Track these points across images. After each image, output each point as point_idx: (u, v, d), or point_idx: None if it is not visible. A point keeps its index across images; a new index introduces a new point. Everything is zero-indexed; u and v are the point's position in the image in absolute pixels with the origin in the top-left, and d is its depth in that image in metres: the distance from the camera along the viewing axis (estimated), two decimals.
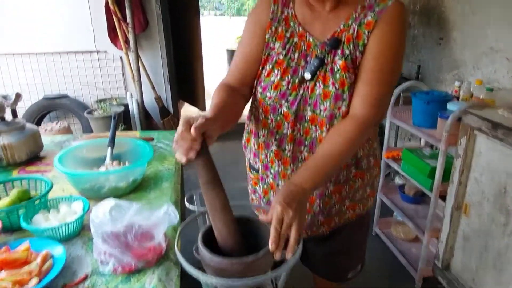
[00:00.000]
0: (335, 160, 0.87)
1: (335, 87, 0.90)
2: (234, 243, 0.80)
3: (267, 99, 0.97)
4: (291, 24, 0.96)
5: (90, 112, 2.87)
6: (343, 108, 0.91)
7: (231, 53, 9.06)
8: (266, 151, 1.04)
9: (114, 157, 1.32)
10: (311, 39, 0.94)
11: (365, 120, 0.89)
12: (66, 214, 1.01)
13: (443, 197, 1.80)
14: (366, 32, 0.89)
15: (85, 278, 0.84)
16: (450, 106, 1.73)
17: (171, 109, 3.44)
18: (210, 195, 0.78)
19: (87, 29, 3.11)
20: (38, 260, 0.83)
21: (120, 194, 1.18)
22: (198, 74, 4.38)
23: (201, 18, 4.20)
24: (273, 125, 0.99)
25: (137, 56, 3.02)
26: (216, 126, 0.79)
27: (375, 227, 2.41)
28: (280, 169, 1.03)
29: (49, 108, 3.13)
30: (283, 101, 0.95)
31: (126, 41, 3.03)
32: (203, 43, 4.06)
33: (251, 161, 1.13)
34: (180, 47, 3.82)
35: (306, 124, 0.95)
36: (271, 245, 0.73)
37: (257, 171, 1.10)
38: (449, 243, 1.70)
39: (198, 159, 0.75)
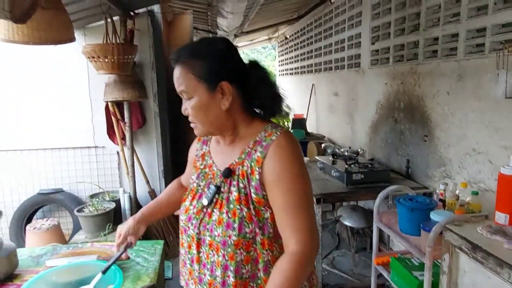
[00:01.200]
0: None
1: (228, 216, 0.97)
2: None
3: (180, 221, 1.09)
4: (206, 158, 1.13)
5: (80, 210, 2.88)
6: (234, 238, 0.96)
7: None
8: (184, 268, 1.11)
9: (82, 283, 1.29)
10: (215, 169, 1.07)
11: (300, 253, 0.93)
12: None
13: None
14: (257, 169, 0.97)
15: None
16: (433, 216, 1.71)
17: None
18: None
19: (87, 127, 3.26)
20: None
21: None
22: None
23: None
24: (186, 245, 1.08)
25: (133, 152, 3.12)
26: (142, 224, 1.26)
27: None
28: None
29: (42, 203, 3.15)
30: (189, 224, 1.05)
31: (123, 138, 3.15)
32: None
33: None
34: (178, 134, 3.96)
35: (207, 248, 1.01)
36: None
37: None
38: None
39: None
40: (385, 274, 1.97)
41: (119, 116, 3.07)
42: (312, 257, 0.96)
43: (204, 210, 1.03)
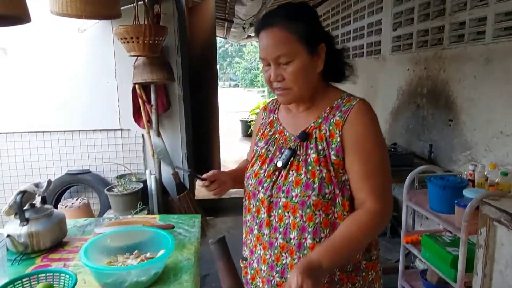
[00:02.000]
0: (351, 244, 0.91)
1: (307, 176, 0.98)
2: None
3: (249, 186, 1.10)
4: (275, 125, 1.15)
5: (110, 189, 2.95)
6: (313, 198, 0.97)
7: (244, 123, 9.38)
8: (250, 235, 1.12)
9: (133, 248, 1.35)
10: (287, 134, 1.08)
11: (376, 213, 0.94)
12: None
13: (468, 287, 1.73)
14: (337, 132, 0.98)
15: None
16: (467, 193, 1.74)
17: (187, 184, 3.51)
18: None
19: (114, 110, 3.33)
20: None
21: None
22: (214, 146, 4.54)
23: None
24: (254, 210, 1.08)
25: (159, 135, 3.18)
26: (228, 177, 1.17)
27: None
28: (261, 254, 1.07)
29: (71, 183, 3.24)
30: (260, 187, 1.05)
31: (149, 121, 3.21)
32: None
33: (242, 251, 1.20)
34: (199, 121, 4.02)
35: (280, 211, 1.01)
36: None
37: (246, 259, 1.16)
38: None
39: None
40: (415, 252, 2.01)
41: (145, 99, 3.13)
42: (386, 219, 0.96)
43: (277, 173, 1.03)
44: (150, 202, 3.07)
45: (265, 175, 1.05)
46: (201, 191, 3.91)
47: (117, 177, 3.22)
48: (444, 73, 2.75)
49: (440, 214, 1.86)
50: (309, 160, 0.99)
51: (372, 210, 0.94)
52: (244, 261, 1.17)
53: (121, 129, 3.36)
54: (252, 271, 1.12)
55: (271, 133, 1.13)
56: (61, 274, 1.16)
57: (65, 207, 2.79)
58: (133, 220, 1.65)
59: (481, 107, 2.37)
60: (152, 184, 3.07)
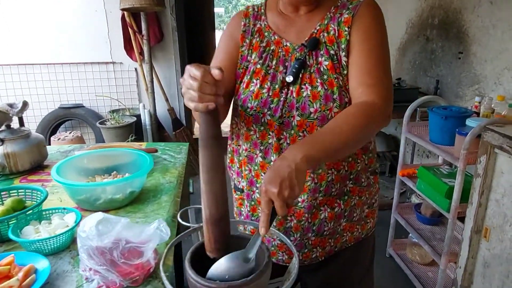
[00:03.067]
0: (336, 135, 0.76)
1: (324, 88, 0.87)
2: (223, 217, 0.73)
3: (248, 110, 0.93)
4: (266, 34, 0.97)
5: (102, 123, 2.89)
6: (335, 110, 0.86)
7: None
8: (250, 165, 0.98)
9: (113, 169, 1.29)
10: (288, 44, 0.93)
11: (373, 104, 0.82)
12: (58, 227, 0.98)
13: (461, 218, 1.69)
14: (346, 29, 0.88)
15: None
16: (469, 122, 1.64)
17: (183, 121, 3.43)
18: (211, 152, 0.71)
19: (104, 41, 3.16)
20: (20, 275, 0.79)
21: (116, 206, 1.14)
22: None
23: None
24: (257, 136, 0.94)
25: (151, 68, 3.04)
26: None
27: (388, 248, 2.30)
28: None
29: (64, 117, 3.17)
30: (266, 110, 0.91)
31: (141, 53, 3.06)
32: None
33: (235, 182, 1.08)
34: (195, 60, 3.85)
35: (292, 132, 0.89)
36: (260, 229, 0.68)
37: (242, 191, 1.05)
38: (468, 269, 1.58)
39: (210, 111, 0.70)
40: (410, 184, 1.96)
41: (135, 28, 2.95)
42: (385, 113, 0.83)
43: (286, 90, 0.90)
44: (145, 137, 3.02)
45: (270, 94, 0.90)
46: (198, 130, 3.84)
47: (110, 112, 3.14)
48: (458, 0, 2.52)
49: (439, 146, 1.77)
50: (322, 69, 0.88)
51: (369, 102, 0.82)
52: (239, 192, 1.06)
53: (113, 62, 3.22)
54: (253, 203, 1.01)
55: (263, 45, 0.96)
56: (33, 191, 1.12)
57: (58, 139, 2.75)
58: (116, 144, 1.58)
59: (494, 36, 2.19)
60: (146, 119, 2.99)
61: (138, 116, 3.05)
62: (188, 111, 3.60)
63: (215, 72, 0.67)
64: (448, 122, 1.73)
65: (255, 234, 0.71)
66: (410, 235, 2.24)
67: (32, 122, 3.21)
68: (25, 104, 1.50)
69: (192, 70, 0.68)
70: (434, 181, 1.71)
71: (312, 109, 0.87)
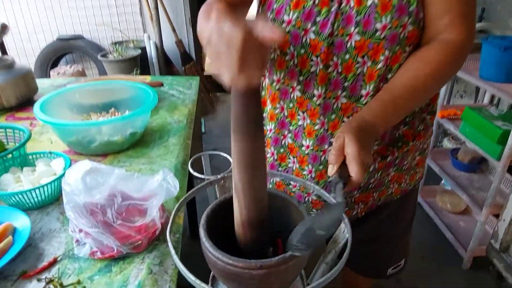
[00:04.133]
0: (418, 94, 0.64)
1: None
2: (265, 220, 0.56)
3: (284, 25, 0.68)
4: None
5: (104, 56, 2.64)
6: (409, 28, 0.62)
7: None
8: (282, 102, 0.75)
9: (110, 105, 1.08)
10: None
11: (457, 43, 0.63)
12: (43, 175, 0.80)
13: (509, 168, 1.49)
14: None
15: (53, 262, 0.64)
16: None
17: (193, 55, 3.15)
18: (252, 144, 0.49)
19: None
20: None
21: (115, 149, 0.96)
22: None
23: None
24: (295, 62, 0.69)
25: None
26: None
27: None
28: (305, 124, 0.73)
29: (64, 50, 2.91)
30: (309, 24, 0.66)
31: None
32: None
33: None
34: None
35: (347, 56, 0.65)
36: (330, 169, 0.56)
37: (265, 134, 0.82)
38: None
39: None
40: (451, 127, 1.72)
41: None
42: (466, 52, 0.66)
43: None
44: (151, 72, 2.77)
45: (316, 3, 0.65)
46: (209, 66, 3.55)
47: (113, 44, 2.87)
48: None
49: (492, 83, 1.51)
50: None
51: (449, 40, 0.63)
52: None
53: None
54: (282, 150, 0.80)
55: None
56: (16, 131, 0.93)
57: (57, 74, 2.53)
58: (115, 77, 1.36)
59: None
60: (152, 51, 2.72)
61: (144, 49, 2.77)
62: (198, 44, 3.29)
63: (272, 33, 0.40)
64: (507, 55, 1.45)
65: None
66: (442, 181, 2.05)
67: (31, 55, 2.96)
68: (4, 27, 1.27)
69: (226, 25, 0.41)
70: (484, 124, 1.48)
71: (379, 25, 0.62)
